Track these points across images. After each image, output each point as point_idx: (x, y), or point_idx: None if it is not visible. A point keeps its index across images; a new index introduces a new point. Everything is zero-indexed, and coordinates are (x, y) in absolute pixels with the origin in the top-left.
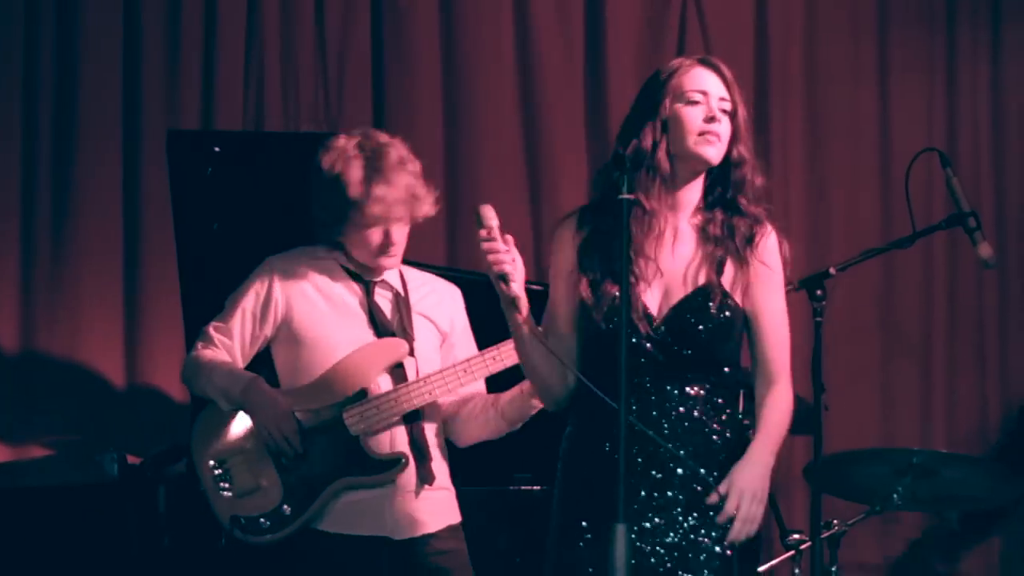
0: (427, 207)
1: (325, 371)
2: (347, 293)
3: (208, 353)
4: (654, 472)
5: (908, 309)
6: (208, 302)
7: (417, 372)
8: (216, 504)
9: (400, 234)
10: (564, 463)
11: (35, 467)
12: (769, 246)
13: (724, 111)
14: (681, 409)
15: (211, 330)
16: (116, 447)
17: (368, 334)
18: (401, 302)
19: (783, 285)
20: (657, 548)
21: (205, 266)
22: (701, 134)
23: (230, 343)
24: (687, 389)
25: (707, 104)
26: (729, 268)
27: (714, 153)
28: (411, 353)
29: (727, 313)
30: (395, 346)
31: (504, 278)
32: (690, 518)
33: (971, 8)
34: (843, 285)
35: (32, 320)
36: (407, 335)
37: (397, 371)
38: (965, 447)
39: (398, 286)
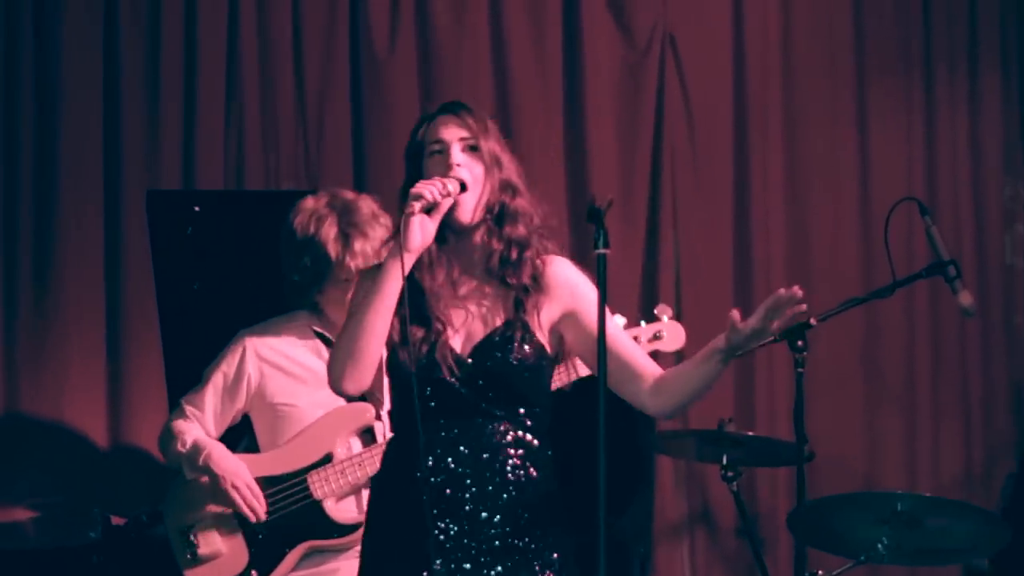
0: None
1: (291, 438)
2: (319, 361)
3: (179, 424)
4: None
5: (891, 357)
6: (190, 361)
7: (384, 435)
8: (184, 568)
9: None
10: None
11: (19, 529)
12: (559, 272)
13: (470, 149)
14: (488, 448)
15: (183, 402)
16: (100, 508)
17: (340, 399)
18: None
19: (591, 294)
20: None
21: (187, 325)
22: None
23: (202, 416)
24: (494, 426)
25: (447, 152)
26: (529, 303)
27: (465, 207)
28: (378, 417)
29: (528, 348)
30: (361, 411)
31: (417, 198)
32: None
33: (949, 54)
34: (826, 333)
35: (15, 380)
36: (375, 399)
37: (366, 435)
38: (950, 494)
39: None
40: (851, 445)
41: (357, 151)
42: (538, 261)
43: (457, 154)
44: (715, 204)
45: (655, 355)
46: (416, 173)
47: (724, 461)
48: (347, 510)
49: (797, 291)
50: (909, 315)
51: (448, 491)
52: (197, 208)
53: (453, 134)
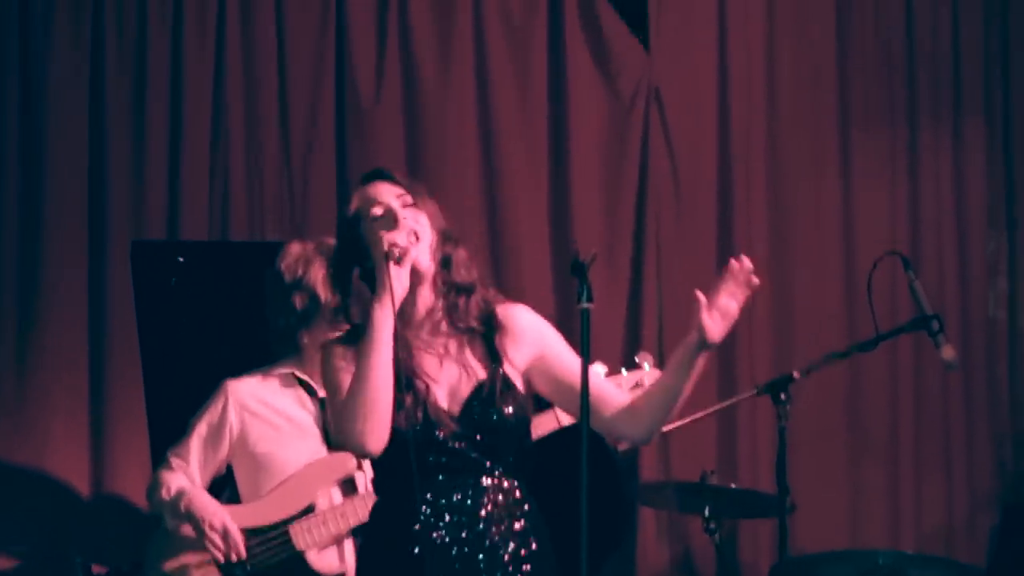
0: None
1: (273, 488)
2: (302, 411)
3: (164, 475)
4: None
5: (874, 410)
6: (173, 411)
7: (366, 485)
8: None
9: None
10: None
11: None
12: (514, 316)
13: (411, 205)
14: (485, 500)
15: (170, 455)
16: (81, 557)
17: (322, 450)
18: None
19: (560, 338)
20: None
21: (170, 376)
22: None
23: (187, 467)
24: (487, 478)
25: (390, 212)
26: (499, 349)
27: (421, 258)
28: (360, 467)
29: (513, 399)
30: (342, 461)
31: (388, 255)
32: None
33: (933, 107)
34: (809, 386)
35: None
36: None
37: (347, 485)
38: (933, 548)
39: None
40: (833, 498)
41: (342, 200)
42: (485, 302)
43: (401, 211)
44: (698, 256)
45: None
46: (354, 245)
47: (706, 513)
48: (329, 560)
49: (746, 261)
50: (892, 369)
51: (449, 545)
52: (181, 259)
53: (390, 193)
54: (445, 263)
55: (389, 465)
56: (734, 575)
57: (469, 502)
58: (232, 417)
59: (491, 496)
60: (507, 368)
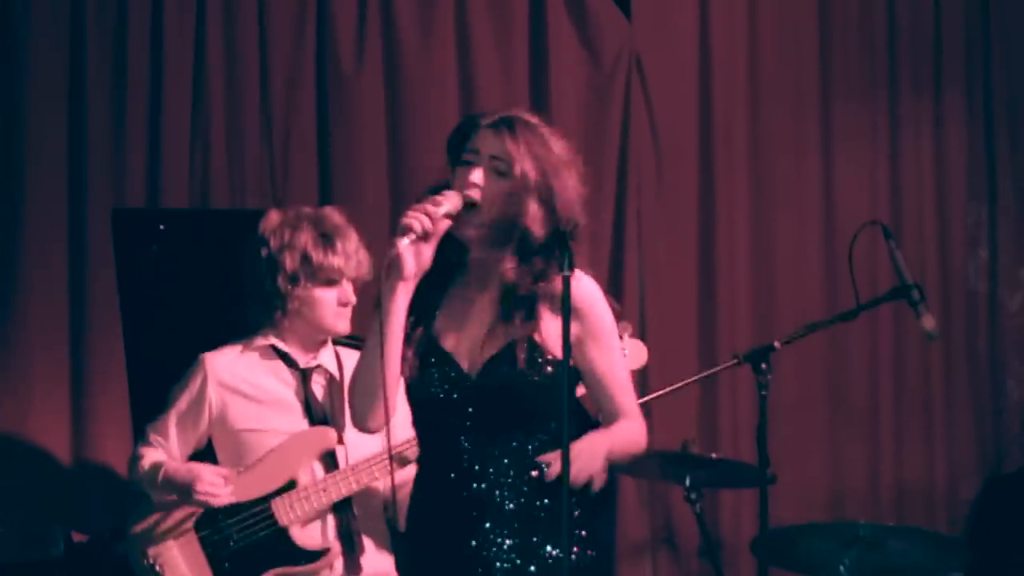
0: (369, 270)
1: (253, 463)
2: (282, 385)
3: (143, 450)
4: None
5: (855, 380)
6: (155, 379)
7: (347, 460)
8: None
9: (352, 295)
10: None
11: None
12: (585, 295)
13: (496, 172)
14: (507, 463)
15: (148, 429)
16: (62, 524)
17: (303, 424)
18: (335, 387)
19: (610, 330)
20: None
21: (151, 343)
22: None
23: (165, 442)
24: (511, 445)
25: (471, 168)
26: (542, 322)
27: (469, 226)
28: (340, 441)
29: (540, 366)
30: (323, 435)
31: (405, 230)
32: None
33: (914, 80)
34: (789, 357)
35: None
36: (338, 422)
37: (328, 459)
38: (913, 517)
39: (333, 369)
40: (814, 467)
41: (323, 168)
42: (545, 263)
43: (477, 174)
44: (680, 225)
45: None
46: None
47: (687, 482)
48: (312, 536)
49: None
50: (873, 339)
51: (485, 495)
52: (162, 226)
53: (488, 149)
54: (512, 219)
55: (422, 427)
56: (714, 544)
57: (489, 465)
58: (211, 393)
59: (512, 459)
60: (543, 335)
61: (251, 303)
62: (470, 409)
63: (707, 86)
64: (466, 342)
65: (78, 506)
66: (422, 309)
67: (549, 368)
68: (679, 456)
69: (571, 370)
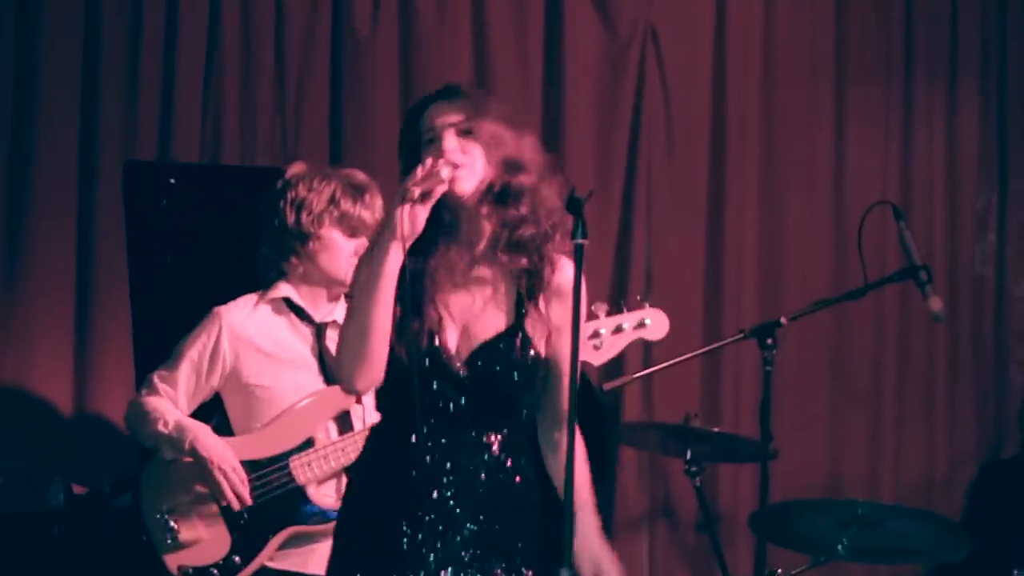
0: None
1: (271, 420)
2: (298, 340)
3: (152, 400)
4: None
5: (858, 360)
6: (159, 333)
7: (363, 420)
8: (164, 553)
9: None
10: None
11: None
12: (563, 271)
13: (464, 134)
14: (478, 453)
15: (155, 378)
16: (62, 476)
17: (318, 381)
18: None
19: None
20: None
21: (158, 297)
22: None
23: (174, 393)
24: (486, 433)
25: (439, 140)
26: (529, 311)
27: (460, 185)
28: (358, 400)
29: (529, 359)
30: (340, 394)
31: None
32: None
33: (929, 61)
34: (794, 334)
35: None
36: None
37: (343, 419)
38: (912, 499)
39: None
40: (814, 445)
41: (334, 129)
42: (538, 243)
43: (450, 140)
44: (689, 199)
45: (639, 344)
46: (412, 161)
47: (688, 456)
48: (328, 495)
49: None
50: (878, 319)
51: (435, 492)
52: (173, 180)
53: (445, 120)
54: (501, 195)
55: (394, 397)
56: (713, 518)
57: (463, 447)
58: (226, 347)
59: (487, 444)
60: (532, 325)
61: (267, 244)
62: (461, 395)
63: (721, 60)
64: (458, 317)
65: (79, 458)
66: (412, 277)
67: (533, 359)
68: (680, 429)
69: (543, 367)
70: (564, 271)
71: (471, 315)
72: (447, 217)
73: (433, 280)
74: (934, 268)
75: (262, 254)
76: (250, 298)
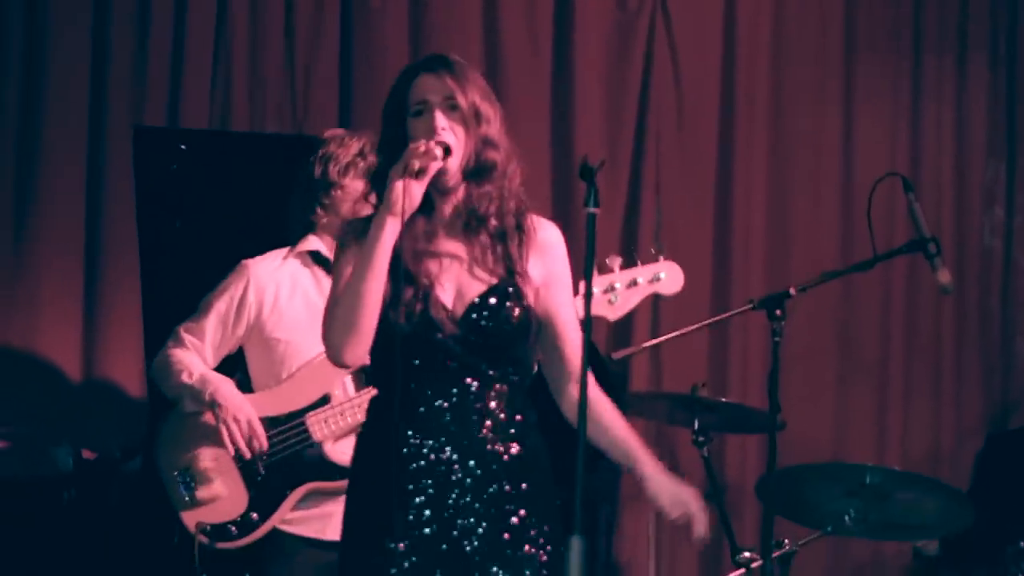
0: None
1: (289, 376)
2: (321, 294)
3: (178, 353)
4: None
5: (866, 331)
6: (168, 299)
7: None
8: (181, 510)
9: None
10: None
11: None
12: (543, 229)
13: (450, 108)
14: (476, 408)
15: (182, 331)
16: (71, 441)
17: None
18: None
19: (568, 283)
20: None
21: (167, 263)
22: None
23: (200, 344)
24: (484, 386)
25: (430, 115)
26: (518, 257)
27: (450, 161)
28: None
29: (519, 311)
30: None
31: (406, 167)
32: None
33: (938, 36)
34: (802, 305)
35: None
36: None
37: (360, 375)
38: (919, 470)
39: None
40: (821, 416)
41: (344, 96)
42: (516, 208)
43: (440, 118)
44: (698, 171)
45: (653, 299)
46: (398, 132)
47: (696, 426)
48: (344, 452)
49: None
50: (886, 291)
51: (432, 453)
52: (183, 146)
53: (436, 93)
54: (480, 169)
55: (386, 362)
56: (720, 489)
57: (463, 405)
58: (252, 298)
59: (485, 402)
60: (521, 278)
61: (295, 198)
62: (456, 349)
63: (731, 32)
64: (447, 283)
65: (88, 424)
66: (398, 254)
67: (524, 311)
68: (688, 399)
69: (536, 320)
70: (545, 229)
71: (462, 279)
72: (433, 197)
73: (419, 256)
74: (942, 240)
75: (291, 207)
76: (280, 252)
